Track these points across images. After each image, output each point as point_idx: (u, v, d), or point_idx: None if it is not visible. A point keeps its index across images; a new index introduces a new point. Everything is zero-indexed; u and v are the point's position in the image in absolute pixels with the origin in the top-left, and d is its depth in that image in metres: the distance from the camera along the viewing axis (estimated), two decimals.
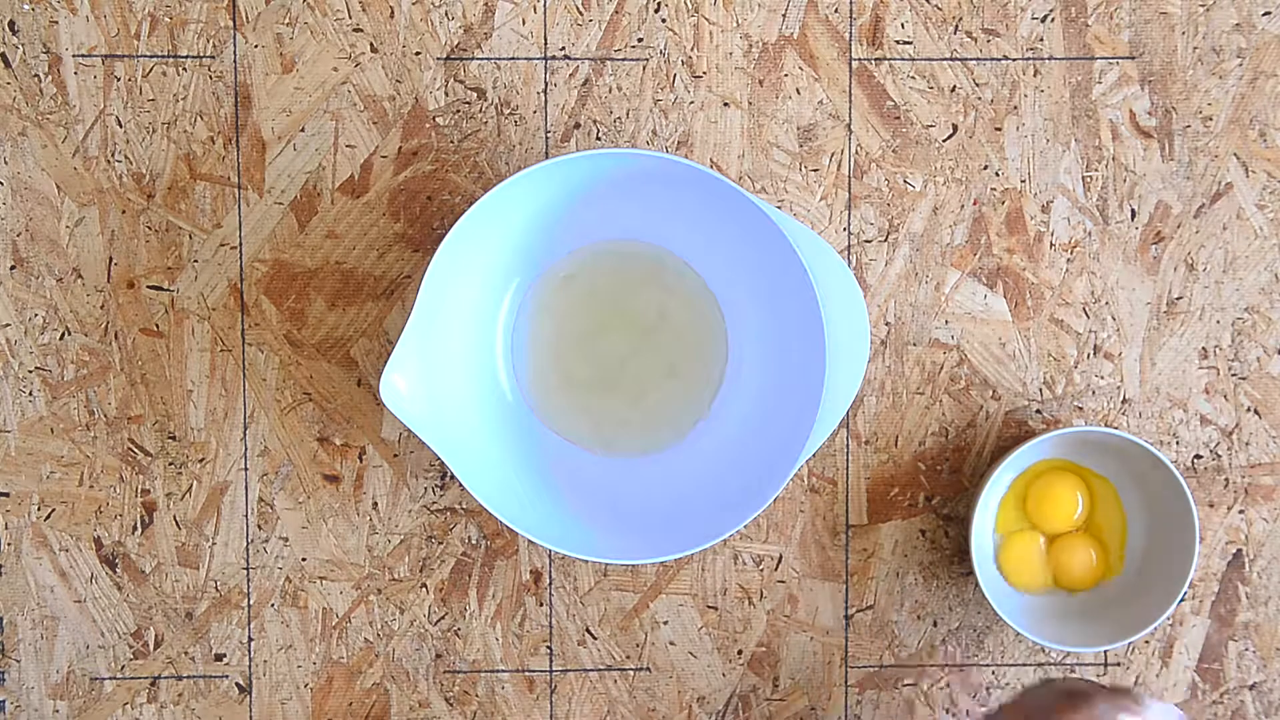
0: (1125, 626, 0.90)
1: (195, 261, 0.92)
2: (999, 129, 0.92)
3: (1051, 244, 0.93)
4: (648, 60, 0.91)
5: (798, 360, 0.86)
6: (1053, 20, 0.92)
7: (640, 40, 0.91)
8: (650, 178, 0.85)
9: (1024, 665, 0.95)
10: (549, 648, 0.94)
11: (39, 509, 0.92)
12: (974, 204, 0.93)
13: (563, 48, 0.91)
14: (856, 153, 0.92)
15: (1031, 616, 0.92)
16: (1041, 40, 0.92)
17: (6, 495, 0.92)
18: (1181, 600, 0.94)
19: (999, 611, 0.89)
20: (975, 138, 0.92)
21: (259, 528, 0.93)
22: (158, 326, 0.92)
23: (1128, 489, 0.93)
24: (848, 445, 0.94)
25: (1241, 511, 0.94)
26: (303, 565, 0.93)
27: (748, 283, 0.89)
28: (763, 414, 0.89)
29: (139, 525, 0.93)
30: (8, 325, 0.91)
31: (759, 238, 0.84)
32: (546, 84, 0.91)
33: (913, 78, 0.92)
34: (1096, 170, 0.93)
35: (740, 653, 0.94)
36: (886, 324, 0.93)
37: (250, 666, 0.94)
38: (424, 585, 0.93)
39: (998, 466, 0.90)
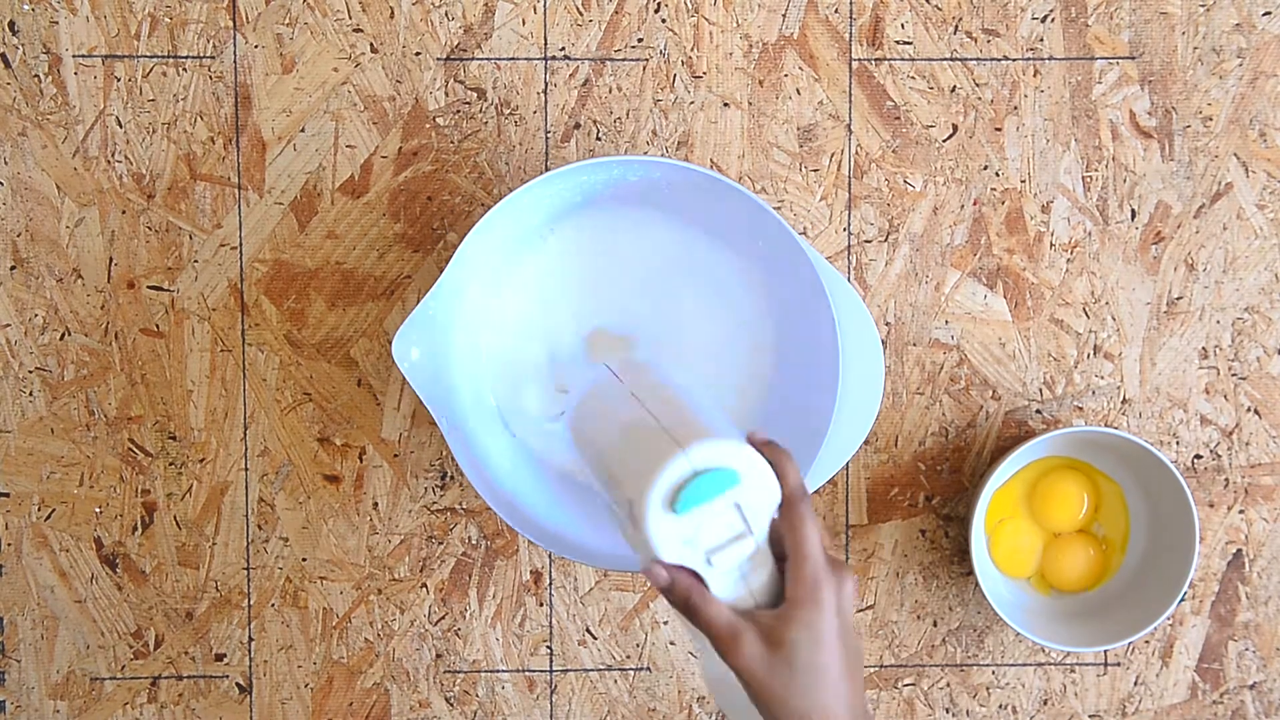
0: (1125, 626, 0.90)
1: (195, 262, 0.92)
2: (999, 129, 0.92)
3: (1051, 244, 0.93)
4: (648, 60, 0.91)
5: (805, 398, 0.86)
6: (1053, 20, 0.92)
7: (640, 40, 0.91)
8: (671, 190, 0.85)
9: (1024, 665, 0.95)
10: (549, 648, 0.94)
11: (39, 509, 0.92)
12: (974, 204, 0.93)
13: (563, 48, 0.91)
14: (856, 153, 0.92)
15: (1032, 616, 0.92)
16: (1041, 40, 0.92)
17: (7, 495, 0.92)
18: (1181, 600, 0.94)
19: (999, 611, 0.89)
20: (975, 138, 0.92)
21: (259, 528, 0.93)
22: (158, 327, 0.92)
23: (1129, 489, 0.94)
24: None
25: (1241, 511, 0.94)
26: (303, 565, 0.93)
27: (763, 307, 0.89)
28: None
29: (139, 525, 0.93)
30: (8, 325, 0.91)
31: (786, 271, 0.85)
32: (546, 84, 0.91)
33: (913, 78, 0.92)
34: (1096, 170, 0.93)
35: None
36: (886, 324, 0.93)
37: (250, 666, 0.94)
38: (424, 585, 0.94)
39: (998, 467, 0.90)
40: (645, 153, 0.92)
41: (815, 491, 0.93)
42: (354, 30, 0.91)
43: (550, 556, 0.93)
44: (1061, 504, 0.93)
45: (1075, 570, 0.93)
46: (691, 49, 0.91)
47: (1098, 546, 0.94)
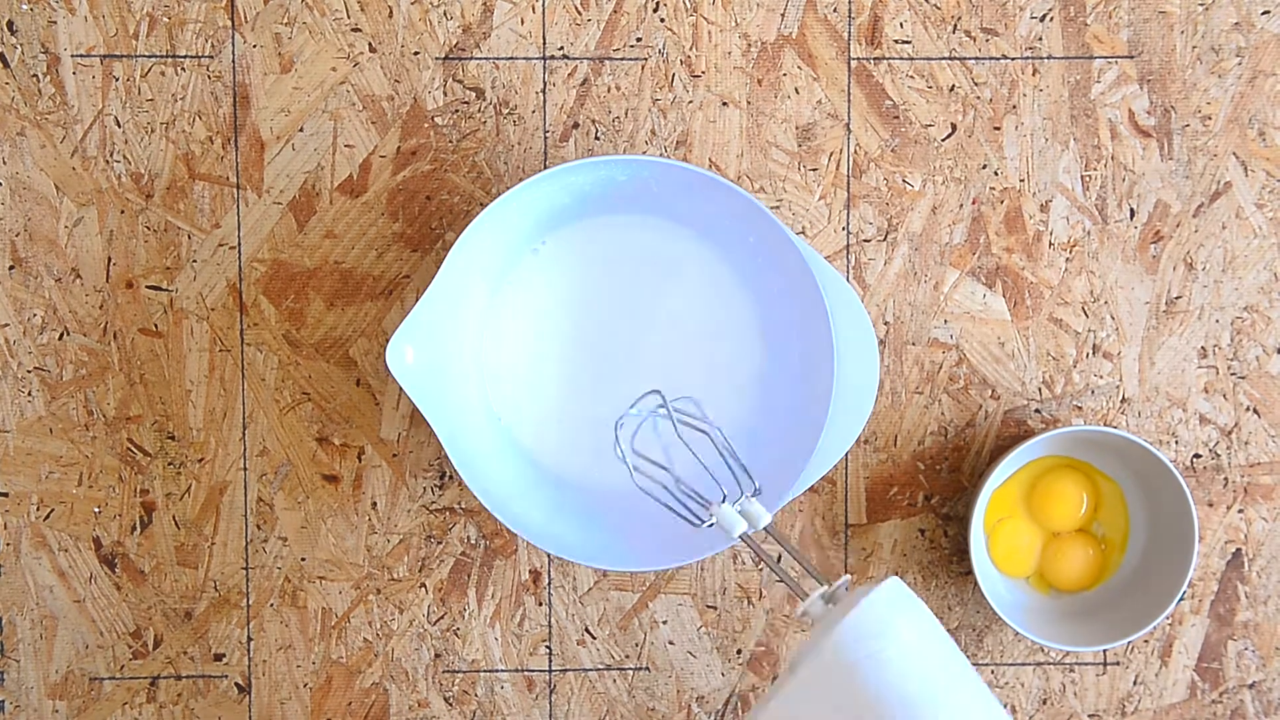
0: (1125, 626, 0.90)
1: (194, 261, 0.92)
2: (998, 128, 0.92)
3: (1050, 243, 0.93)
4: (646, 60, 0.91)
5: (801, 395, 0.86)
6: (1051, 19, 0.92)
7: (639, 40, 0.91)
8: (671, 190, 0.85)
9: (1023, 664, 0.95)
10: (548, 647, 0.94)
11: (38, 509, 0.92)
12: (973, 203, 0.93)
13: (561, 47, 0.91)
14: (855, 152, 0.92)
15: (1031, 616, 0.92)
16: (1040, 39, 0.92)
17: (6, 495, 0.92)
18: (1181, 600, 0.94)
19: (998, 611, 0.89)
20: (974, 137, 0.92)
21: (258, 528, 0.93)
22: (156, 326, 0.92)
23: (1128, 488, 0.94)
24: None
25: (1241, 511, 0.94)
26: (302, 565, 0.93)
27: (758, 306, 0.89)
28: (763, 442, 0.89)
29: (138, 525, 0.93)
30: (7, 325, 0.91)
31: (780, 266, 0.85)
32: (545, 84, 0.91)
33: (911, 77, 0.92)
34: (1095, 169, 0.93)
35: (739, 652, 0.94)
36: (885, 323, 0.93)
37: (249, 666, 0.94)
38: (423, 585, 0.93)
39: (997, 466, 0.90)
40: (644, 152, 0.92)
41: (812, 489, 0.93)
42: (352, 30, 0.91)
43: (549, 556, 0.93)
44: (1061, 503, 0.93)
45: (1074, 570, 0.93)
46: (690, 48, 0.91)
47: (1097, 546, 0.94)
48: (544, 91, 0.91)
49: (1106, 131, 0.92)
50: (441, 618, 0.94)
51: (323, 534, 0.93)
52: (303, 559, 0.93)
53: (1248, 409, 0.94)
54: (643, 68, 0.91)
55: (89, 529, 0.92)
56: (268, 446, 0.92)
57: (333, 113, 0.91)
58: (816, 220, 0.92)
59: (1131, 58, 0.92)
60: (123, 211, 0.91)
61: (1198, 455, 0.94)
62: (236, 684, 0.94)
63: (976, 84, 0.92)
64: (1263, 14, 0.92)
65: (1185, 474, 0.94)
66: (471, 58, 0.91)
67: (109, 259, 0.91)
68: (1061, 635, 0.91)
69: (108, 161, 0.91)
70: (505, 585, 0.94)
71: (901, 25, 0.91)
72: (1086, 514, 0.93)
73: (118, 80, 0.90)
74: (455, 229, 0.92)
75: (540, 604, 0.94)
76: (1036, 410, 0.94)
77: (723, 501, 0.76)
